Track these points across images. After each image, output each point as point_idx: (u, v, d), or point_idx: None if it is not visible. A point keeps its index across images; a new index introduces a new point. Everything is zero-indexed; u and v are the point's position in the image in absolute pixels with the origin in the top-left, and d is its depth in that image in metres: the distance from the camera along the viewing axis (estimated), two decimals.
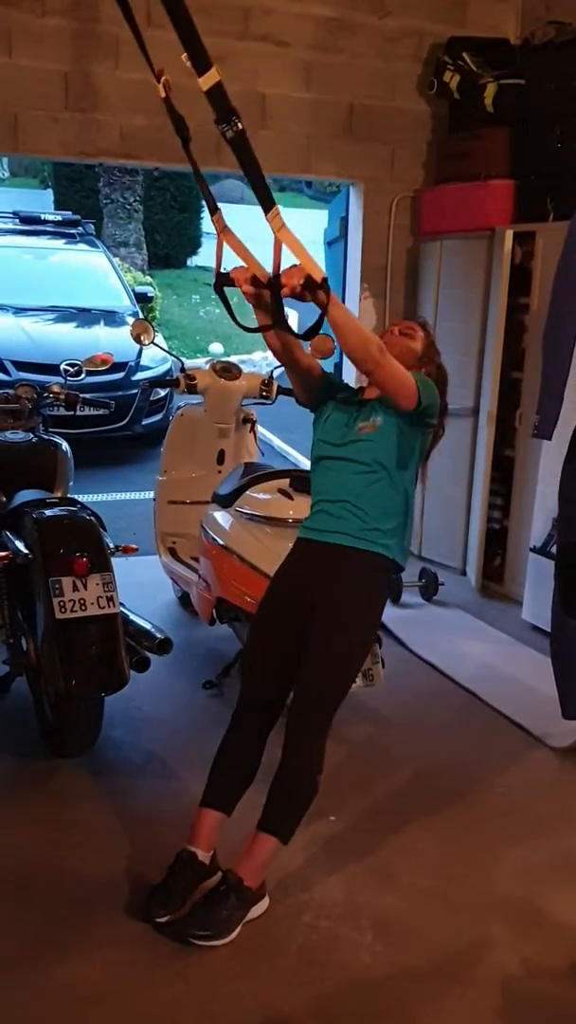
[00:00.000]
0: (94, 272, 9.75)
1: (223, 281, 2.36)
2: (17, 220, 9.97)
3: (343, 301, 5.87)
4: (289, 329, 2.37)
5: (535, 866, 2.88)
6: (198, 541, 4.03)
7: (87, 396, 4.13)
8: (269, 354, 14.18)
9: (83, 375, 4.25)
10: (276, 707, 2.67)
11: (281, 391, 4.46)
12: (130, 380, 8.02)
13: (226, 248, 2.33)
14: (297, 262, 2.19)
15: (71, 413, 4.15)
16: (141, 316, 9.06)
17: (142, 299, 9.99)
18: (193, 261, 18.60)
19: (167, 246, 17.73)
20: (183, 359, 4.95)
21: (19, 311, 8.65)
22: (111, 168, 14.14)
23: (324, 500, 2.61)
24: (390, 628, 4.58)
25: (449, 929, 2.58)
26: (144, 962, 2.40)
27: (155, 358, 8.38)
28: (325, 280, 2.17)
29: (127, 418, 8.05)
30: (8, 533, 3.23)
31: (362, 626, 2.58)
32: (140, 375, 8.19)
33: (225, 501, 3.87)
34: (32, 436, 3.88)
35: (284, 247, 2.16)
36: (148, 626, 3.24)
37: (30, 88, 4.78)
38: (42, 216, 10.44)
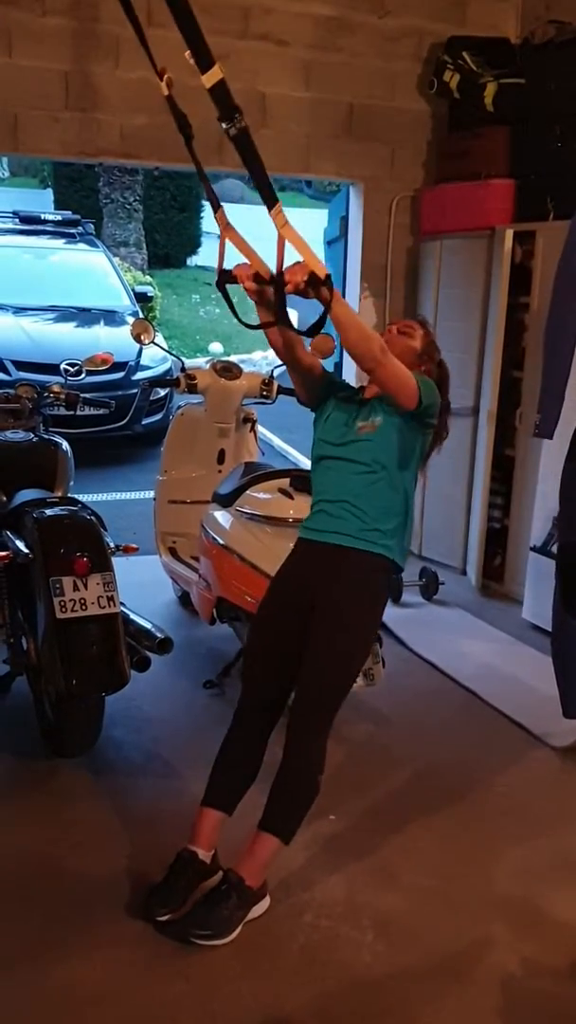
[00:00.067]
0: (94, 272, 9.75)
1: (225, 278, 2.36)
2: (17, 220, 9.97)
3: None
4: (292, 326, 2.37)
5: (535, 865, 2.88)
6: (198, 541, 4.03)
7: (87, 396, 4.13)
8: (269, 354, 14.18)
9: (83, 375, 4.25)
10: (277, 707, 2.67)
11: (281, 391, 4.46)
12: (130, 380, 8.02)
13: (228, 245, 2.33)
14: (300, 259, 2.19)
15: (71, 413, 4.15)
16: (141, 316, 9.06)
17: (142, 299, 9.98)
18: (193, 261, 18.60)
19: (167, 246, 17.73)
20: (183, 359, 4.95)
21: (19, 311, 8.65)
22: (111, 168, 14.14)
23: (324, 500, 2.61)
24: (390, 627, 4.58)
25: (449, 928, 2.58)
26: (145, 961, 2.40)
27: (155, 358, 8.38)
28: (328, 277, 2.17)
29: (127, 418, 8.05)
30: (8, 533, 3.23)
31: (363, 626, 2.58)
32: (140, 375, 8.19)
33: (225, 501, 3.87)
34: (32, 436, 3.88)
35: (287, 244, 2.16)
36: (148, 626, 3.23)
37: (30, 88, 4.78)
38: (42, 216, 10.45)
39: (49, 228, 10.09)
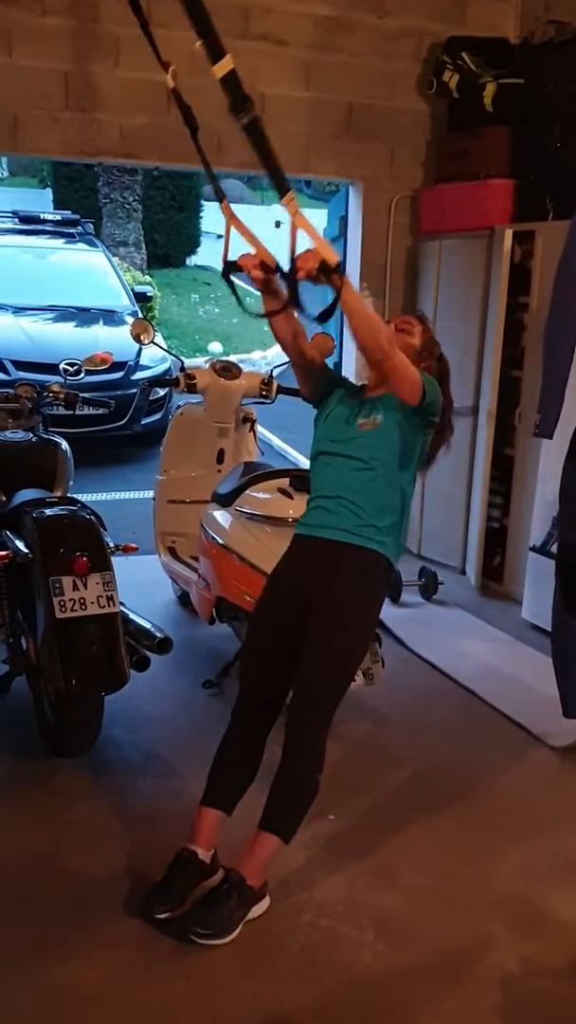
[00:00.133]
0: (93, 271, 9.75)
1: (231, 268, 2.38)
2: (16, 219, 9.97)
3: None
4: (305, 312, 2.37)
5: (535, 865, 2.88)
6: (198, 540, 4.03)
7: (86, 395, 4.13)
8: (268, 354, 14.14)
9: (82, 374, 4.25)
10: (275, 706, 2.67)
11: (281, 390, 4.46)
12: (129, 379, 8.02)
13: (234, 244, 2.35)
14: (311, 247, 2.19)
15: (71, 412, 4.15)
16: (140, 315, 9.06)
17: (141, 298, 9.99)
18: (192, 260, 18.62)
19: (166, 245, 17.74)
20: (182, 358, 4.95)
21: (18, 310, 8.65)
22: (110, 167, 14.14)
23: (321, 496, 2.61)
24: (390, 627, 4.59)
25: (449, 928, 2.58)
26: (144, 961, 2.40)
27: (154, 357, 8.38)
28: (339, 264, 2.18)
29: (126, 417, 8.05)
30: (8, 532, 3.23)
31: (360, 623, 2.57)
32: (139, 374, 8.20)
33: (225, 500, 3.87)
34: (32, 435, 3.88)
35: (300, 232, 2.16)
36: (148, 625, 3.23)
37: (30, 87, 4.78)
38: (41, 215, 10.46)
39: (48, 228, 10.10)
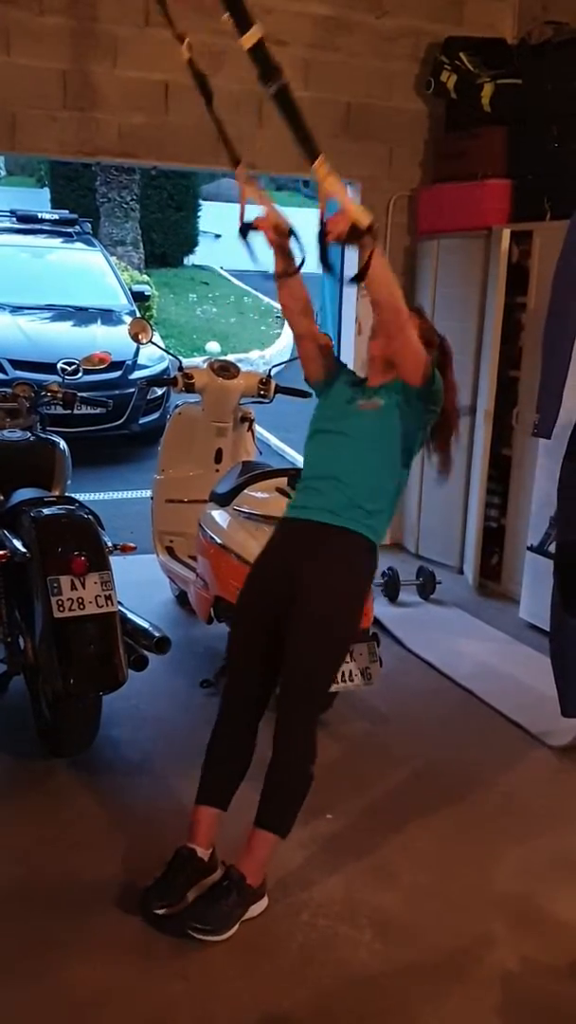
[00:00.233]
0: (91, 271, 9.74)
1: (248, 229, 2.44)
2: (14, 219, 9.96)
3: (340, 301, 5.91)
4: (332, 271, 2.38)
5: (534, 864, 2.88)
6: (196, 540, 4.02)
7: (84, 395, 4.13)
8: (266, 353, 14.09)
9: (80, 374, 4.25)
10: (263, 698, 2.64)
11: (279, 390, 4.46)
12: (127, 379, 8.01)
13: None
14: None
15: (68, 412, 4.15)
16: (138, 315, 9.05)
17: (139, 298, 9.98)
18: (190, 260, 18.61)
19: (164, 245, 17.72)
20: (180, 358, 4.95)
21: (16, 309, 8.65)
22: (108, 167, 14.13)
23: (311, 476, 2.61)
24: (388, 626, 4.59)
25: (448, 927, 2.58)
26: (143, 961, 2.40)
27: (152, 357, 8.37)
28: (371, 226, 2.20)
29: (124, 417, 8.04)
30: (6, 532, 3.23)
31: (345, 603, 2.54)
32: (137, 374, 8.19)
33: (223, 500, 3.87)
34: (30, 435, 3.88)
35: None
36: (146, 625, 3.24)
37: (28, 87, 4.78)
38: (39, 215, 10.45)
39: (46, 227, 10.09)
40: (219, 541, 3.69)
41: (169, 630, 3.28)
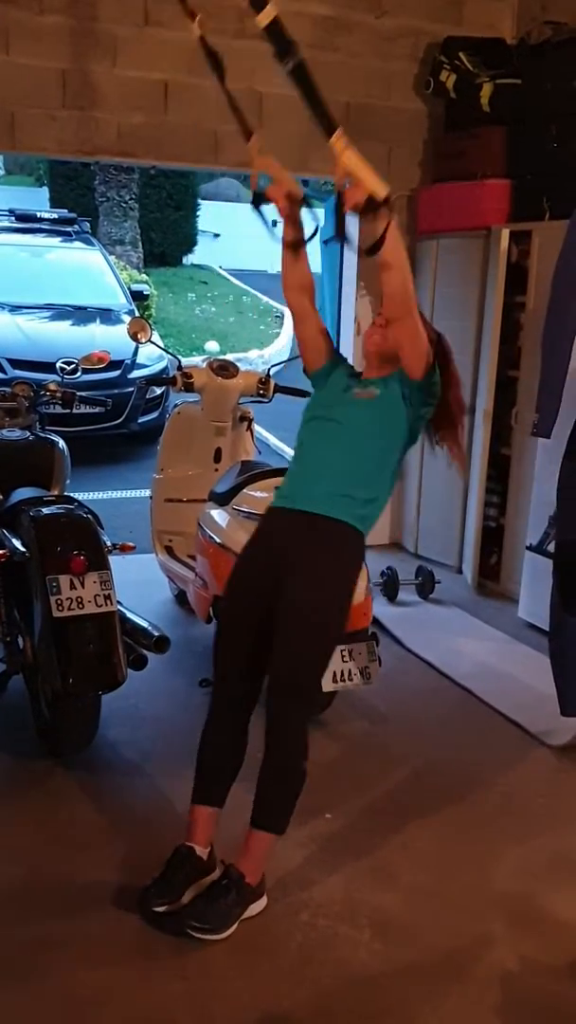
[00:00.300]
0: (90, 270, 9.74)
1: (260, 199, 2.47)
2: (13, 218, 9.97)
3: (340, 300, 5.91)
4: (350, 241, 2.39)
5: (534, 864, 2.89)
6: (195, 539, 4.02)
7: (83, 394, 4.12)
8: (265, 352, 14.05)
9: (79, 373, 4.26)
10: (252, 695, 2.61)
11: (278, 389, 4.46)
12: (126, 378, 8.01)
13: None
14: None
15: (67, 411, 4.14)
16: (137, 314, 9.05)
17: (138, 297, 9.98)
18: (189, 259, 18.61)
19: (163, 244, 17.73)
20: (179, 357, 4.95)
21: (15, 309, 8.65)
22: (107, 166, 14.13)
23: (302, 464, 2.59)
24: (387, 626, 4.59)
25: (448, 927, 2.58)
26: (143, 961, 2.40)
27: (151, 356, 8.37)
28: (388, 198, 2.21)
29: (123, 416, 8.04)
30: (5, 531, 3.23)
31: (333, 590, 2.50)
32: (136, 373, 8.19)
33: (222, 499, 3.87)
34: (29, 434, 3.87)
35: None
36: (145, 624, 3.24)
37: (28, 86, 4.78)
38: (38, 214, 10.45)
39: (45, 226, 10.09)
40: (218, 540, 3.69)
41: (168, 629, 3.28)
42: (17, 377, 5.74)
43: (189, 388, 4.37)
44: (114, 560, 3.13)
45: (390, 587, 5.00)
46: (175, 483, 4.64)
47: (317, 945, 2.48)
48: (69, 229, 10.13)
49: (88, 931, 2.49)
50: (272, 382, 4.47)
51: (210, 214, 18.73)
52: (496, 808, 3.18)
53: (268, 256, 15.18)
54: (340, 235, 2.36)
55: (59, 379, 4.14)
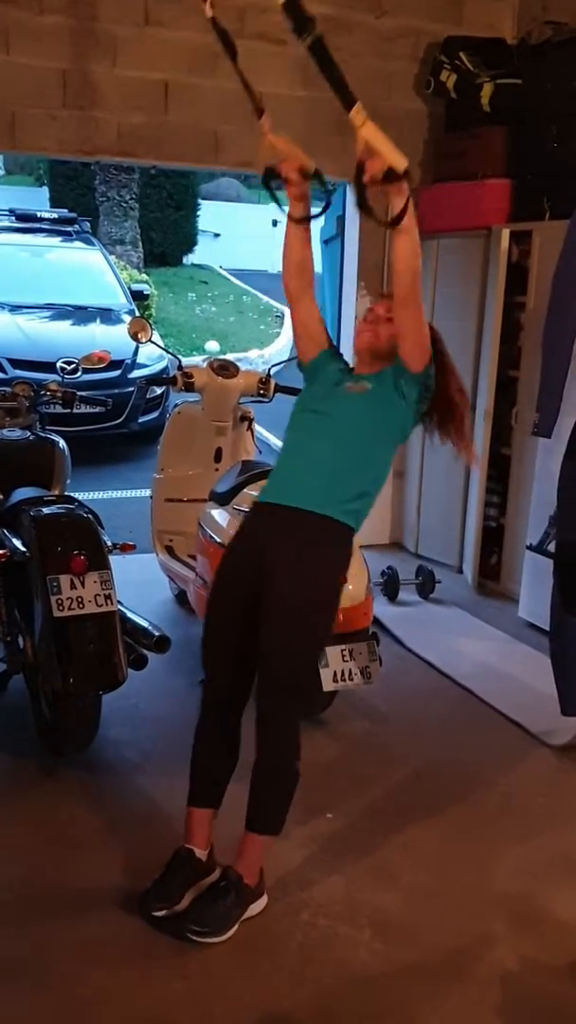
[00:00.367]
0: (90, 270, 9.74)
1: (270, 174, 2.48)
2: (13, 218, 9.97)
3: (340, 299, 5.91)
4: (371, 212, 2.38)
5: (534, 864, 2.89)
6: (196, 539, 4.02)
7: (84, 394, 4.12)
8: (265, 352, 14.04)
9: (80, 372, 4.26)
10: (241, 695, 2.60)
11: (278, 389, 4.46)
12: (127, 378, 8.01)
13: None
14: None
15: (68, 411, 4.14)
16: (137, 314, 9.05)
17: (138, 297, 9.98)
18: (189, 259, 18.62)
19: (163, 244, 17.73)
20: (179, 357, 4.95)
21: (15, 308, 8.64)
22: (107, 166, 14.13)
23: (290, 458, 2.55)
24: (387, 626, 4.59)
25: (448, 927, 2.58)
26: (143, 961, 2.40)
27: (151, 356, 8.37)
28: (407, 171, 2.21)
29: (124, 416, 8.04)
30: (5, 531, 3.23)
31: (321, 585, 2.46)
32: (137, 373, 8.19)
33: (223, 499, 3.87)
34: (29, 434, 3.88)
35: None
36: (146, 624, 3.24)
37: (28, 86, 4.77)
38: (38, 214, 10.45)
39: (45, 226, 10.09)
40: (218, 540, 3.69)
41: (168, 629, 3.28)
42: (17, 377, 5.74)
43: (189, 388, 4.36)
44: (114, 560, 3.13)
45: (390, 587, 5.00)
46: (175, 483, 4.64)
47: (317, 945, 2.48)
48: (69, 229, 10.13)
49: (88, 931, 2.49)
50: (272, 382, 4.47)
51: (210, 214, 18.73)
52: (497, 808, 3.18)
53: (268, 256, 15.16)
54: (361, 206, 2.35)
55: (59, 379, 4.14)
